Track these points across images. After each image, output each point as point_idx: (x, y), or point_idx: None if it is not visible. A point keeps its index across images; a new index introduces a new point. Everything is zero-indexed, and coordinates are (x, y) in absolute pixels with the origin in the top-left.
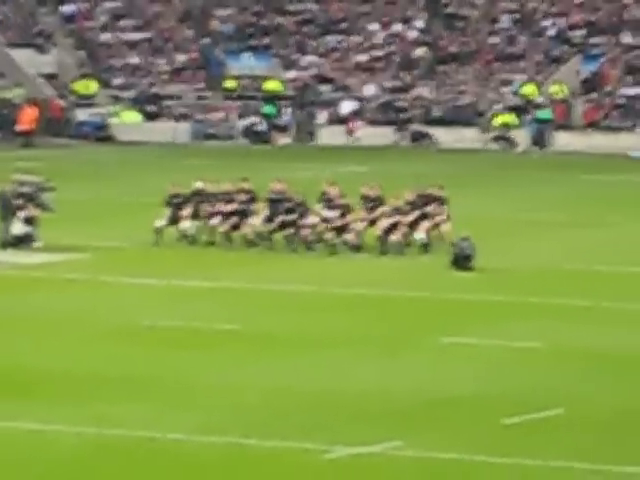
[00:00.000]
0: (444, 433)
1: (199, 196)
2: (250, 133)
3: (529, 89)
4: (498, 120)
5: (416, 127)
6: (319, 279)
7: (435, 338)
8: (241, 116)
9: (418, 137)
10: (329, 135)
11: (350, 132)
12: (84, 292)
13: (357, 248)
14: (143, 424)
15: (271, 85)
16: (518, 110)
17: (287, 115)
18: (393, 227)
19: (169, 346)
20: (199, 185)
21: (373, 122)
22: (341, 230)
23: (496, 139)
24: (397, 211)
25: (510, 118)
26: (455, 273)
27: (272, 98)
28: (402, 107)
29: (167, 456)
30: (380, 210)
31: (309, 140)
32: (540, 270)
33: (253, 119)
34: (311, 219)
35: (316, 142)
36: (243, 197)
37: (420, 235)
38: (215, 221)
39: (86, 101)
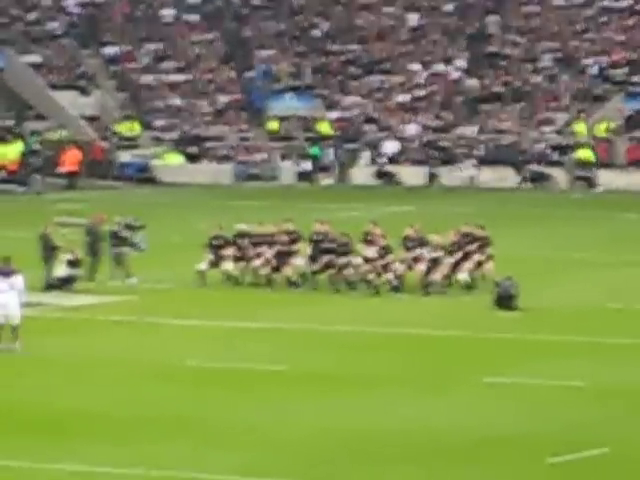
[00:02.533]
0: (489, 472)
1: (241, 238)
2: (296, 174)
3: (579, 127)
4: (578, 155)
5: (534, 167)
6: (362, 319)
7: (478, 377)
8: (284, 157)
9: (537, 178)
10: (372, 175)
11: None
12: (129, 333)
13: (396, 289)
14: (188, 464)
15: (322, 127)
16: (561, 149)
17: (330, 155)
18: (434, 267)
19: (214, 387)
20: (241, 227)
21: (415, 162)
22: (382, 270)
23: (578, 179)
24: (438, 250)
25: (588, 154)
26: (498, 312)
27: (317, 139)
28: (445, 146)
29: None
30: (419, 250)
31: (351, 180)
32: (582, 309)
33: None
34: (354, 259)
35: (358, 182)
36: (285, 238)
37: (463, 275)
38: (258, 262)
39: (128, 143)
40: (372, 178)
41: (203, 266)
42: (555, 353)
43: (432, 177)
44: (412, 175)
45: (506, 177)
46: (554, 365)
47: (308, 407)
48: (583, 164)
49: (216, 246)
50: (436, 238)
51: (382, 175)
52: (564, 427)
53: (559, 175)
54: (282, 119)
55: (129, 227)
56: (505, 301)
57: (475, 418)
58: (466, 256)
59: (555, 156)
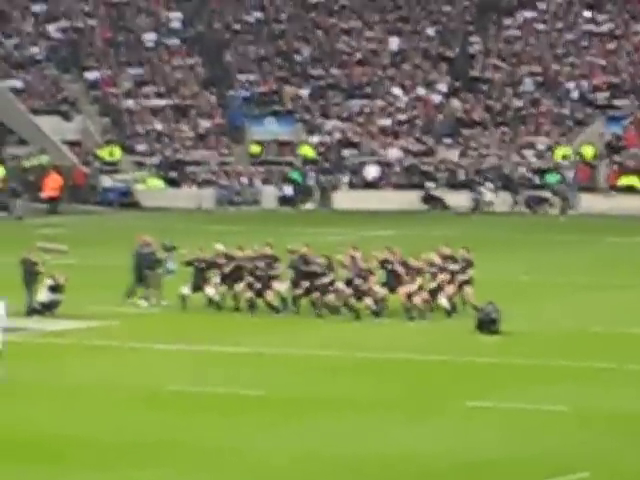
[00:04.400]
0: None
1: (221, 259)
2: (277, 198)
3: (563, 151)
4: (622, 182)
5: (531, 193)
6: (344, 344)
7: (460, 402)
8: (265, 181)
9: (535, 202)
10: (353, 199)
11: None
12: (111, 358)
13: (376, 314)
14: None
15: (304, 150)
16: (542, 173)
17: (311, 180)
18: (416, 291)
19: (195, 412)
20: (220, 248)
21: (398, 186)
22: (363, 295)
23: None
24: (419, 273)
25: (634, 180)
26: (480, 337)
27: (299, 163)
28: (427, 171)
29: None
30: (402, 274)
31: (332, 205)
32: (564, 333)
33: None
34: (337, 284)
35: (339, 206)
36: (264, 262)
37: (442, 300)
38: (239, 287)
39: (110, 167)
40: (359, 202)
41: (185, 290)
42: (537, 377)
43: (477, 202)
44: (396, 200)
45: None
46: (536, 389)
47: (290, 432)
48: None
49: (199, 269)
50: (413, 261)
51: (429, 200)
52: (546, 451)
53: (553, 199)
54: (263, 143)
55: (166, 248)
56: (487, 325)
57: (458, 442)
58: (451, 278)
59: (536, 180)
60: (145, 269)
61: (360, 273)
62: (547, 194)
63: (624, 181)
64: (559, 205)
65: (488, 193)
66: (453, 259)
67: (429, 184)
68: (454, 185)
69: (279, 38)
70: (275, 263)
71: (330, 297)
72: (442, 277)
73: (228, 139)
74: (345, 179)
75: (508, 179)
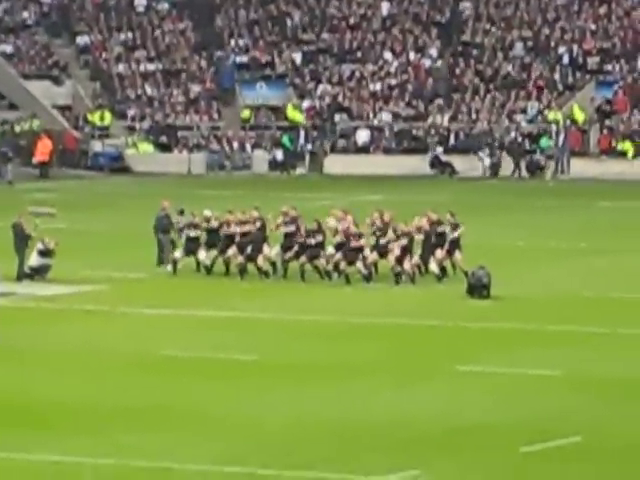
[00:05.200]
0: (462, 461)
1: (210, 224)
2: (268, 163)
3: (555, 115)
4: (619, 147)
5: (531, 158)
6: (335, 309)
7: (451, 366)
8: (254, 146)
9: (534, 167)
10: (344, 164)
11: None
12: (102, 323)
13: (367, 278)
14: (162, 454)
15: (292, 114)
16: (533, 138)
17: (302, 145)
18: (404, 255)
19: (188, 376)
20: (207, 213)
21: (388, 151)
22: (354, 259)
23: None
24: (407, 237)
25: (627, 145)
26: (471, 301)
27: (289, 128)
28: (418, 136)
29: None
30: (388, 237)
31: (322, 170)
32: (556, 298)
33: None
34: (327, 249)
35: (330, 171)
36: (254, 226)
37: (432, 265)
38: (230, 252)
39: (101, 132)
40: (350, 167)
41: (177, 254)
42: (528, 342)
43: (494, 167)
44: (387, 165)
45: (478, 166)
46: (528, 354)
47: (282, 396)
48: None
49: (190, 235)
50: (403, 226)
51: (437, 164)
52: (537, 416)
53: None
54: (254, 108)
55: (181, 213)
56: (478, 290)
57: (449, 406)
58: (438, 241)
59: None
60: (160, 232)
61: (350, 236)
62: (542, 159)
63: (620, 147)
64: (550, 170)
65: (487, 158)
66: (440, 223)
67: (438, 148)
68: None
69: (270, 2)
70: (263, 225)
71: (321, 261)
72: (433, 240)
73: (219, 104)
74: (339, 144)
75: (511, 145)
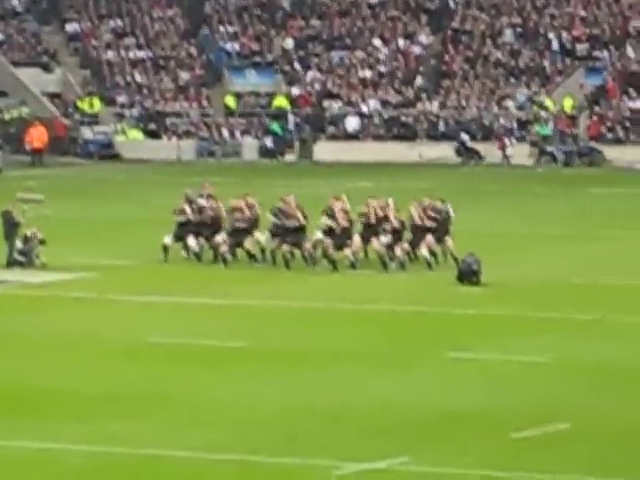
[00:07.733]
0: (452, 448)
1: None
2: (258, 150)
3: (548, 102)
4: (536, 130)
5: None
6: (324, 295)
7: (442, 353)
8: (243, 133)
9: (542, 153)
10: (334, 151)
11: (502, 149)
12: (91, 310)
13: (354, 266)
14: (150, 442)
15: (278, 102)
16: (521, 125)
17: (292, 132)
18: (395, 242)
19: (176, 363)
20: (201, 202)
21: (378, 137)
22: (342, 246)
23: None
24: (399, 225)
25: (544, 129)
26: (461, 288)
27: (279, 115)
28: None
29: (175, 474)
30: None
31: (312, 156)
32: (546, 284)
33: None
34: (315, 235)
35: (320, 158)
36: (246, 213)
37: (423, 251)
38: (219, 239)
39: (90, 119)
40: (340, 154)
41: (167, 240)
42: (519, 329)
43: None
44: (377, 152)
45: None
46: (518, 340)
47: (271, 383)
48: (543, 139)
49: (181, 223)
50: (394, 214)
51: (464, 151)
52: (527, 402)
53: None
54: (242, 95)
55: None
56: (468, 276)
57: (438, 394)
58: (427, 230)
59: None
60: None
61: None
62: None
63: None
64: (535, 156)
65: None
66: (433, 210)
67: (463, 135)
68: (434, 137)
69: None
70: (254, 212)
71: (307, 246)
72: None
73: (208, 90)
74: (328, 130)
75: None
